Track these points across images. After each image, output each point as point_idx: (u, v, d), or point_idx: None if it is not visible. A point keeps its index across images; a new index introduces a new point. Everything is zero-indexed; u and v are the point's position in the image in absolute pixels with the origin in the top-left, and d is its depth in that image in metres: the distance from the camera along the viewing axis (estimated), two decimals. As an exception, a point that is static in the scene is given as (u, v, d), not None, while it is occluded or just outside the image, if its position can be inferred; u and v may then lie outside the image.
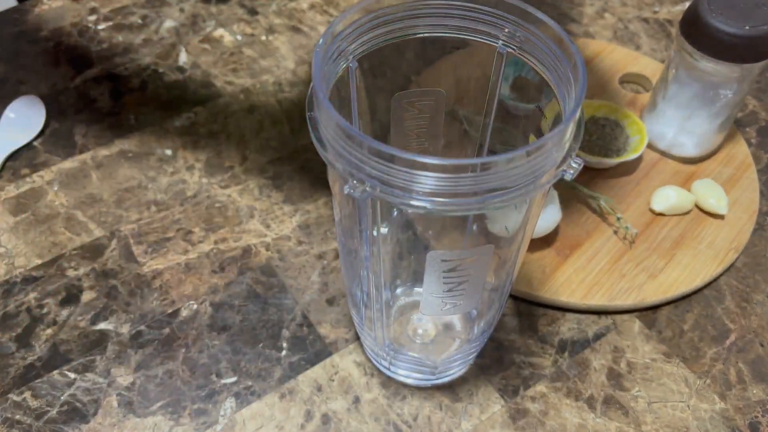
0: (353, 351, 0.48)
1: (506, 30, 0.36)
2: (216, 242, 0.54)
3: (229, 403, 0.46)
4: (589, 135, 0.58)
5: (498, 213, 0.41)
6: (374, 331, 0.43)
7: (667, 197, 0.54)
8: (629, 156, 0.56)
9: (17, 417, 0.45)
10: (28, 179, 0.58)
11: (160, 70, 0.66)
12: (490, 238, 0.44)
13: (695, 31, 0.51)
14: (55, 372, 0.47)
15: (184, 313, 0.50)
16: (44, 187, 0.57)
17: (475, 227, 0.46)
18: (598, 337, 0.49)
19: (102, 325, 0.49)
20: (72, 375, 0.47)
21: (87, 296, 0.51)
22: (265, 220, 0.55)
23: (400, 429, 0.45)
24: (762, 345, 0.49)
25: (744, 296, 0.52)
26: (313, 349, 0.48)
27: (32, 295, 0.51)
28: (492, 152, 0.43)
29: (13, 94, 0.63)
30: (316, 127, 0.32)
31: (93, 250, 0.53)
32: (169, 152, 0.60)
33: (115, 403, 0.46)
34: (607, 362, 0.48)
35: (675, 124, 0.56)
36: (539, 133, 0.39)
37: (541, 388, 0.47)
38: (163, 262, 0.52)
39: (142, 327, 0.49)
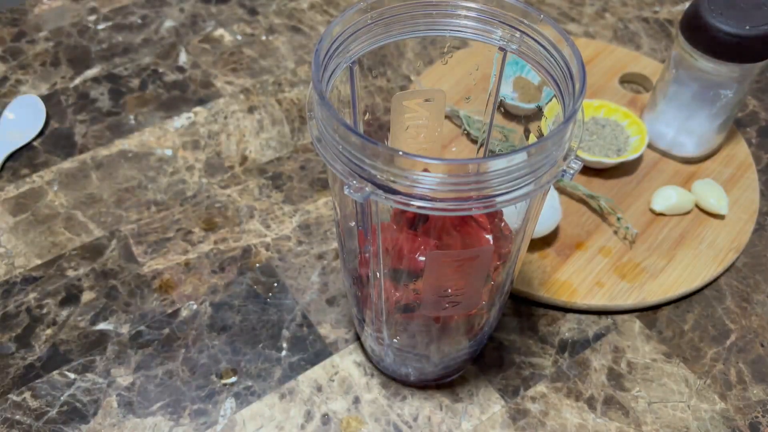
0: (353, 351, 0.48)
1: (506, 30, 0.35)
2: (216, 242, 0.54)
3: (229, 403, 0.46)
4: (589, 135, 0.58)
5: (498, 213, 0.41)
6: (374, 332, 0.43)
7: (668, 197, 0.54)
8: (629, 156, 0.56)
9: (17, 417, 0.45)
10: (27, 179, 0.58)
11: (160, 70, 0.66)
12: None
13: (695, 31, 0.51)
14: (55, 372, 0.47)
15: (184, 313, 0.50)
16: (44, 188, 0.57)
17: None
18: (598, 337, 0.49)
19: (102, 326, 0.49)
20: (72, 375, 0.47)
21: (87, 296, 0.51)
22: (265, 220, 0.55)
23: (401, 429, 0.45)
24: (762, 345, 0.49)
25: (744, 296, 0.52)
26: (313, 350, 0.48)
27: (32, 296, 0.51)
28: (492, 152, 0.43)
29: (12, 94, 0.63)
30: (315, 127, 0.32)
31: (93, 251, 0.53)
32: (169, 152, 0.60)
33: (114, 404, 0.46)
34: (608, 362, 0.48)
35: (675, 124, 0.56)
36: (539, 133, 0.39)
37: (541, 388, 0.47)
38: (163, 263, 0.52)
39: (142, 327, 0.49)
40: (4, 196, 0.56)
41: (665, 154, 0.58)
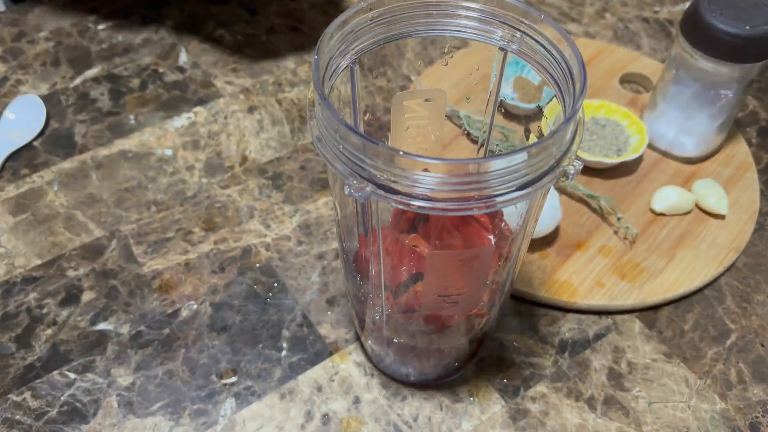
0: (353, 351, 0.48)
1: (507, 30, 0.35)
2: (216, 242, 0.54)
3: (229, 403, 0.46)
4: (589, 135, 0.58)
5: (498, 213, 0.41)
6: (374, 331, 0.43)
7: (668, 197, 0.54)
8: (629, 156, 0.56)
9: (17, 417, 0.45)
10: (27, 179, 0.58)
11: (160, 70, 0.66)
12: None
13: (695, 31, 0.51)
14: (55, 372, 0.47)
15: (184, 313, 0.50)
16: (44, 188, 0.57)
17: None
18: (598, 337, 0.49)
19: (102, 326, 0.49)
20: (72, 375, 0.47)
21: (87, 296, 0.51)
22: (265, 220, 0.55)
23: (401, 429, 0.45)
24: (762, 345, 0.49)
25: (745, 296, 0.52)
26: (313, 350, 0.48)
27: (32, 296, 0.51)
28: (492, 152, 0.43)
29: (13, 94, 0.63)
30: (316, 127, 0.32)
31: (93, 251, 0.53)
32: (169, 152, 0.60)
33: (115, 404, 0.46)
34: (608, 362, 0.48)
35: (675, 124, 0.56)
36: (539, 133, 0.39)
37: (541, 388, 0.47)
38: (163, 263, 0.52)
39: (142, 327, 0.49)
40: (4, 196, 0.56)
41: (665, 154, 0.58)
